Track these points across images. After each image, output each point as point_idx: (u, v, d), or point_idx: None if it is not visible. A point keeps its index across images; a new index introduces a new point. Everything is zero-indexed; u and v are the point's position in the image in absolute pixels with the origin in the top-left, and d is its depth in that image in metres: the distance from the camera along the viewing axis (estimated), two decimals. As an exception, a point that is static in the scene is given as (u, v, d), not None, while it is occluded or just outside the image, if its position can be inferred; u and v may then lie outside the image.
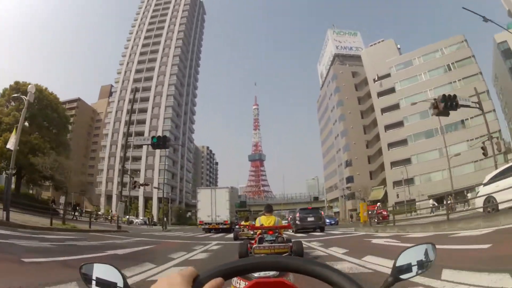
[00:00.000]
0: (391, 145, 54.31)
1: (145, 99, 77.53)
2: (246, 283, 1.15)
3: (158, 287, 0.56)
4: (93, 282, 0.79)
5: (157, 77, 79.77)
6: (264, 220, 6.69)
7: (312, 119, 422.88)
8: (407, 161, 50.40)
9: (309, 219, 21.53)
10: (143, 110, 75.95)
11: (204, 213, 29.86)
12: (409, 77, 55.99)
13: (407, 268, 0.76)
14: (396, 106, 55.33)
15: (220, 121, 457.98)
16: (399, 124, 54.25)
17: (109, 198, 69.58)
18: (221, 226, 29.22)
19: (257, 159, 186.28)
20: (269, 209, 6.98)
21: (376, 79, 58.19)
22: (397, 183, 51.16)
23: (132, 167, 69.42)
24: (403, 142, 53.14)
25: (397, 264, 0.76)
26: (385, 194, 53.17)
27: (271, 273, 1.34)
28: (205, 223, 29.37)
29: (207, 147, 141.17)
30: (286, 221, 34.75)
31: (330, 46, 79.44)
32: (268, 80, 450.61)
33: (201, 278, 0.59)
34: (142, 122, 74.96)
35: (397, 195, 48.90)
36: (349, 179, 58.68)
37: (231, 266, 0.64)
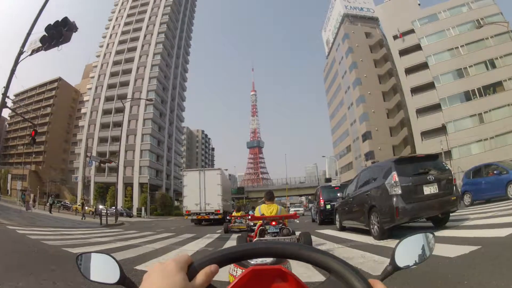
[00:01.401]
0: (420, 112, 45.06)
1: (128, 72, 67.72)
2: (242, 270, 1.11)
3: (152, 273, 0.55)
4: (91, 273, 0.78)
5: (142, 46, 69.65)
6: (264, 209, 5.77)
7: (313, 102, 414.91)
8: (441, 130, 41.31)
9: (427, 189, 7.16)
10: (125, 84, 66.28)
11: (191, 201, 23.83)
12: (436, 31, 47.29)
13: (406, 257, 0.75)
14: (423, 65, 46.26)
15: (217, 108, 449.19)
16: (429, 86, 45.30)
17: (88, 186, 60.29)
18: (211, 217, 23.40)
19: (255, 146, 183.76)
20: (270, 196, 6.01)
21: (398, 35, 48.65)
22: (430, 159, 42.18)
23: (111, 148, 60.22)
24: (435, 107, 44.07)
25: (396, 253, 0.75)
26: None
27: (268, 260, 1.34)
28: (193, 213, 23.62)
29: (202, 131, 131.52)
30: (301, 208, 28.62)
31: (337, 7, 68.94)
32: (266, 62, 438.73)
33: (196, 265, 0.59)
34: (123, 97, 65.03)
35: (436, 173, 39.79)
36: (369, 155, 49.33)
37: (226, 253, 0.63)
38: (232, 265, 1.67)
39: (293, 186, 73.48)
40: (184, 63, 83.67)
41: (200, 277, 0.57)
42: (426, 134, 43.40)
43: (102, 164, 32.95)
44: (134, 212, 47.79)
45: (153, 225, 23.97)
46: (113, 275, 0.76)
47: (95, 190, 52.87)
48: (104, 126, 63.51)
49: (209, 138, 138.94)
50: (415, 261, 0.75)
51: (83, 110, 69.81)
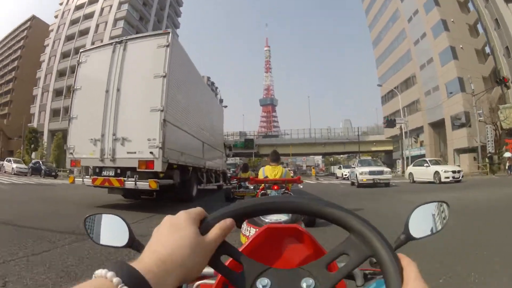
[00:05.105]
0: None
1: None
2: (256, 229, 1.14)
3: (161, 226, 0.52)
4: (100, 235, 0.74)
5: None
6: (268, 171, 5.45)
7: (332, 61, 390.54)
8: None
9: None
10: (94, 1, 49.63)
11: (84, 134, 8.09)
12: None
13: (421, 227, 0.71)
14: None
15: (227, 62, 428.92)
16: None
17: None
18: (130, 183, 7.17)
19: (268, 104, 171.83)
20: (275, 157, 5.68)
21: None
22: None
23: (70, 82, 44.80)
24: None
25: (410, 222, 0.70)
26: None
27: (283, 219, 1.37)
28: (86, 168, 8.87)
29: (208, 78, 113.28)
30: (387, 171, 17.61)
31: None
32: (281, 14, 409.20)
33: (210, 219, 0.54)
34: (90, 16, 48.69)
35: None
36: (455, 86, 31.56)
37: (242, 207, 0.57)
38: (244, 224, 1.65)
39: (318, 140, 56.69)
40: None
41: (215, 231, 0.52)
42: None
43: None
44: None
45: None
46: (122, 238, 0.70)
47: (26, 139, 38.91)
48: (66, 55, 47.64)
49: (216, 87, 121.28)
50: (430, 231, 0.71)
51: (45, 42, 53.87)
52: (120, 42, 8.23)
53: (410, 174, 20.53)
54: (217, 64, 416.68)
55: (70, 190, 12.59)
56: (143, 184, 7.02)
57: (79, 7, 51.20)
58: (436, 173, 17.78)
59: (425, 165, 19.23)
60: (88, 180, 7.79)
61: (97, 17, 47.69)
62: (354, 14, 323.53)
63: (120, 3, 46.83)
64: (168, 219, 0.52)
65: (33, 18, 71.38)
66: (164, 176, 7.52)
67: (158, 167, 6.96)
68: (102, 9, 48.10)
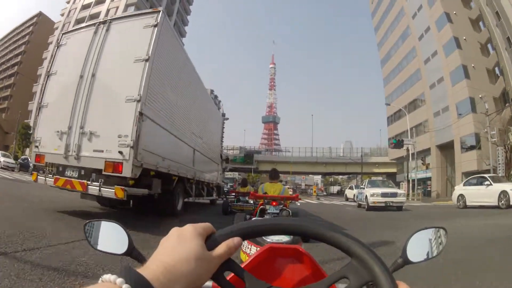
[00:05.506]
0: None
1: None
2: (257, 248, 1.16)
3: (168, 237, 0.52)
4: (99, 241, 0.75)
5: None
6: (268, 188, 5.46)
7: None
8: None
9: None
10: (101, 1, 49.39)
11: (51, 128, 6.76)
12: None
13: (418, 252, 0.72)
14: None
15: (231, 78, 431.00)
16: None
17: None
18: (93, 188, 5.78)
19: (271, 121, 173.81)
20: (273, 175, 5.71)
21: None
22: None
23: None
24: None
25: (408, 246, 0.72)
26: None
27: (284, 239, 1.40)
28: (51, 165, 6.70)
29: (211, 90, 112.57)
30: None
31: None
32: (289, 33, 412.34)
33: (217, 236, 0.54)
34: (96, 16, 48.05)
35: None
36: (462, 107, 30.59)
37: (249, 226, 0.58)
38: (245, 242, 1.64)
39: (320, 159, 55.59)
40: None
41: (222, 248, 0.53)
42: None
43: None
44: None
45: None
46: (121, 246, 0.71)
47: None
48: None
49: (219, 101, 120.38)
50: (427, 256, 0.72)
51: (49, 40, 53.54)
52: (104, 23, 7.07)
53: (461, 196, 15.60)
54: (220, 80, 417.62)
55: (44, 191, 11.10)
56: (108, 191, 5.62)
57: (85, 7, 51.17)
58: (503, 193, 12.95)
59: (485, 183, 14.30)
60: (50, 180, 6.48)
61: (103, 18, 47.19)
62: (362, 33, 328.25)
63: (127, 6, 46.30)
64: (175, 230, 0.53)
65: (40, 14, 72.08)
66: (137, 183, 6.00)
67: (127, 171, 5.54)
68: (108, 10, 47.69)
